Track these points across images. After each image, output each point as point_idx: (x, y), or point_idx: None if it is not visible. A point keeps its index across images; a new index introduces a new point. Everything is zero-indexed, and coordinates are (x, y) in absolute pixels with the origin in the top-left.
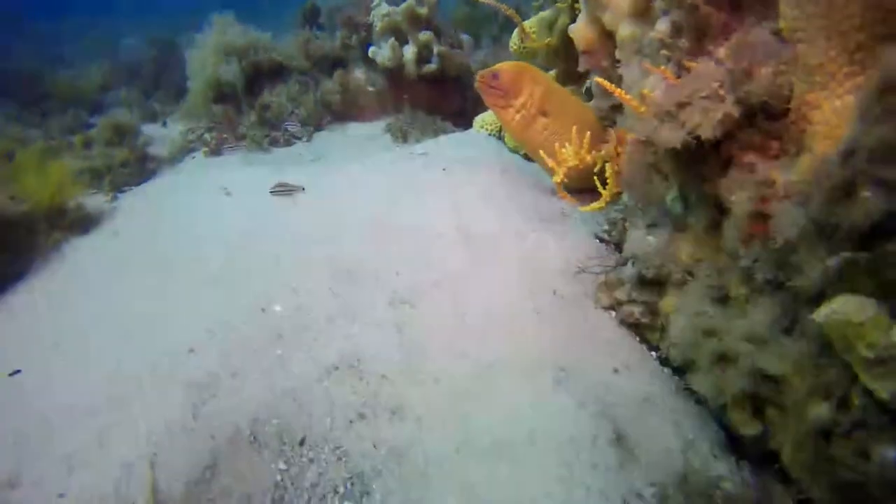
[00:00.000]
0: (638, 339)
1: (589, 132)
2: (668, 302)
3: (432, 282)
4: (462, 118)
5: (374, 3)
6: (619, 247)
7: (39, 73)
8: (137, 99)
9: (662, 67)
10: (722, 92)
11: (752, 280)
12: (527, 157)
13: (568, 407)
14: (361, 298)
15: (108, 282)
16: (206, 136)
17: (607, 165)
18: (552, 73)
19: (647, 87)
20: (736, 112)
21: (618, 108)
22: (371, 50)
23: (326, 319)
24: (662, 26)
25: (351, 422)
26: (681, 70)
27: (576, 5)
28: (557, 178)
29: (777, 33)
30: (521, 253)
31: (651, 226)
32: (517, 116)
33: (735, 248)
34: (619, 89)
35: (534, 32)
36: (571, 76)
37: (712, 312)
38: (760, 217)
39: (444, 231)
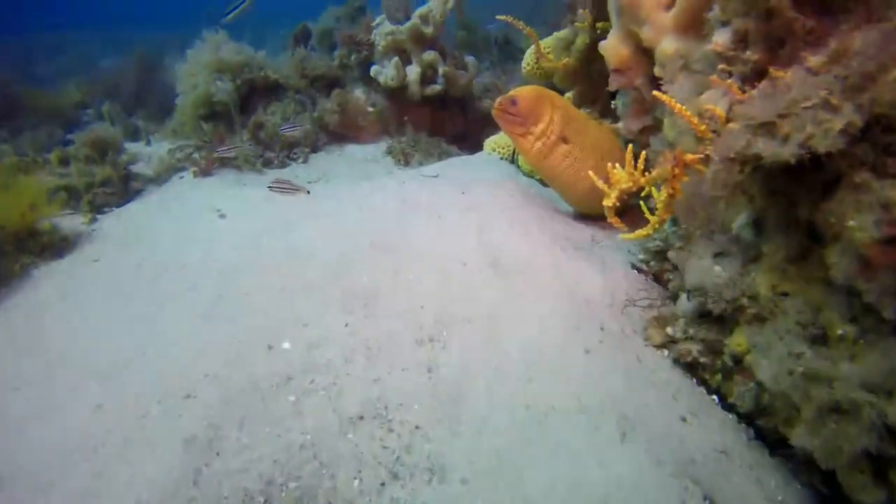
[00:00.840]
0: (695, 380)
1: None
2: (739, 340)
3: (463, 316)
4: (465, 142)
5: (377, 21)
6: (657, 278)
7: (6, 84)
8: (119, 115)
9: (729, 82)
10: (835, 100)
11: (865, 318)
12: (543, 182)
13: (643, 465)
14: (383, 335)
15: (85, 313)
16: (196, 155)
17: (654, 190)
18: (568, 95)
19: (700, 104)
20: (860, 121)
21: (650, 129)
22: (373, 69)
23: (344, 360)
24: (722, 38)
25: (383, 484)
26: (746, 84)
27: (598, 24)
28: (609, 202)
29: (887, 34)
30: (560, 284)
31: (718, 255)
32: (537, 144)
33: (849, 279)
34: (680, 106)
35: (549, 52)
36: (587, 98)
37: (810, 354)
38: (891, 244)
39: (470, 258)
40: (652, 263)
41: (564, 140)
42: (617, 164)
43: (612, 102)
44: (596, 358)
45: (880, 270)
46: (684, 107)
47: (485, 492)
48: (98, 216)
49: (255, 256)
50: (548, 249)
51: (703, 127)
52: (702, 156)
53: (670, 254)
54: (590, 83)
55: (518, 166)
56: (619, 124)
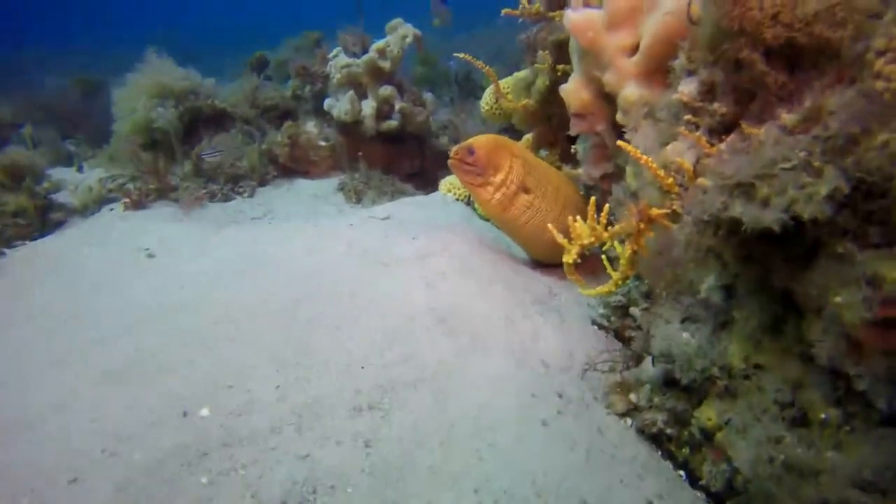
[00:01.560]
0: (660, 453)
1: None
2: (708, 414)
3: (407, 380)
4: (420, 179)
5: (332, 54)
6: (618, 334)
7: None
8: (51, 139)
9: (697, 134)
10: (816, 163)
11: (850, 402)
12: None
13: None
14: (316, 400)
15: None
16: (130, 185)
17: (617, 244)
18: (527, 136)
19: (666, 155)
20: (846, 186)
21: (611, 177)
22: (327, 102)
23: (271, 429)
24: (689, 87)
25: None
26: (713, 137)
27: (558, 66)
28: (570, 258)
29: (868, 95)
30: (515, 343)
31: (686, 319)
32: (497, 195)
33: (835, 362)
34: (646, 157)
35: (509, 93)
36: (546, 140)
37: (791, 440)
38: (882, 326)
39: (417, 313)
40: (613, 319)
41: (525, 190)
42: (579, 218)
43: (573, 147)
44: (553, 431)
45: (872, 355)
46: (649, 157)
47: None
48: (6, 250)
49: (180, 305)
50: (502, 304)
51: (669, 180)
52: (668, 210)
53: (633, 310)
54: (549, 125)
55: (474, 209)
56: (580, 170)
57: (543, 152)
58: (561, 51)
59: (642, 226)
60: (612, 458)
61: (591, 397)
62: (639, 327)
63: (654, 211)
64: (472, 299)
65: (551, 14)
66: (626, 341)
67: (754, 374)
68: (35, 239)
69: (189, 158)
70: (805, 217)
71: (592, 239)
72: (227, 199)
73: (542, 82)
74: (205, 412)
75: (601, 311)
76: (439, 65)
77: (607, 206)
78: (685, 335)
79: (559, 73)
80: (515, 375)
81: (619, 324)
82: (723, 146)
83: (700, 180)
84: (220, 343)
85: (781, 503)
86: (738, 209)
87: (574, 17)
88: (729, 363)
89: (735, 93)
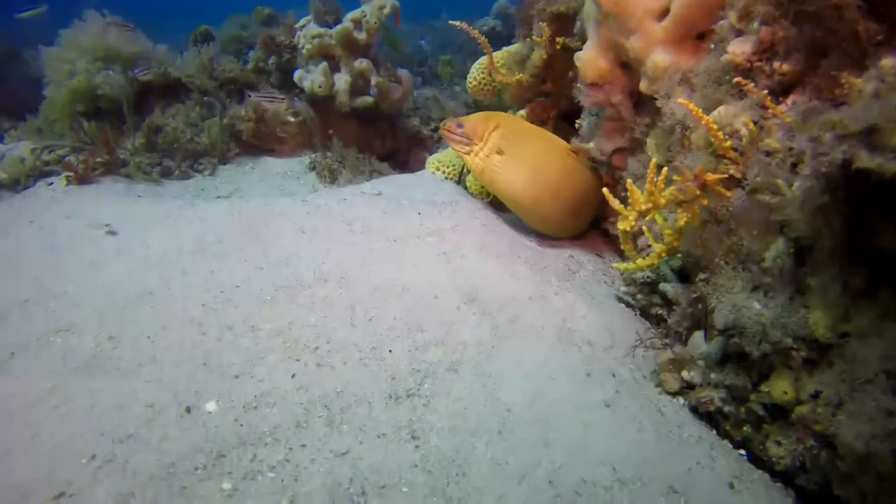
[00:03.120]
0: (715, 431)
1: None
2: (781, 387)
3: (447, 363)
4: (392, 161)
5: (300, 23)
6: (644, 312)
7: None
8: None
9: (764, 93)
10: None
11: None
12: (492, 203)
13: None
14: (344, 388)
15: None
16: (71, 158)
17: (658, 216)
18: (521, 113)
19: (712, 119)
20: None
21: (623, 151)
22: (297, 74)
23: (296, 425)
24: (742, 47)
25: None
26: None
27: (558, 39)
28: (626, 225)
29: None
30: (553, 322)
31: (756, 289)
32: (476, 160)
33: None
34: (708, 118)
35: (502, 66)
36: (538, 116)
37: None
38: None
39: (441, 292)
40: (639, 297)
41: (499, 152)
42: (631, 183)
43: (577, 122)
44: (618, 413)
45: None
46: (694, 121)
47: None
48: None
49: (161, 285)
50: (528, 281)
51: (727, 143)
52: (725, 176)
53: (662, 286)
54: (540, 105)
55: (465, 187)
56: (590, 144)
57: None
58: (560, 23)
59: (698, 192)
60: (680, 438)
61: (641, 376)
62: (667, 304)
63: (711, 176)
64: (497, 277)
65: None
66: (651, 319)
67: (845, 342)
68: None
69: (140, 130)
70: None
71: (650, 205)
72: (185, 176)
73: (538, 56)
74: (211, 406)
75: (624, 288)
76: (404, 48)
77: (665, 170)
78: (756, 305)
79: (558, 47)
80: (563, 355)
81: (645, 301)
82: (785, 108)
83: (767, 142)
84: (215, 327)
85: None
86: (869, 159)
87: None
88: (811, 333)
89: (806, 49)
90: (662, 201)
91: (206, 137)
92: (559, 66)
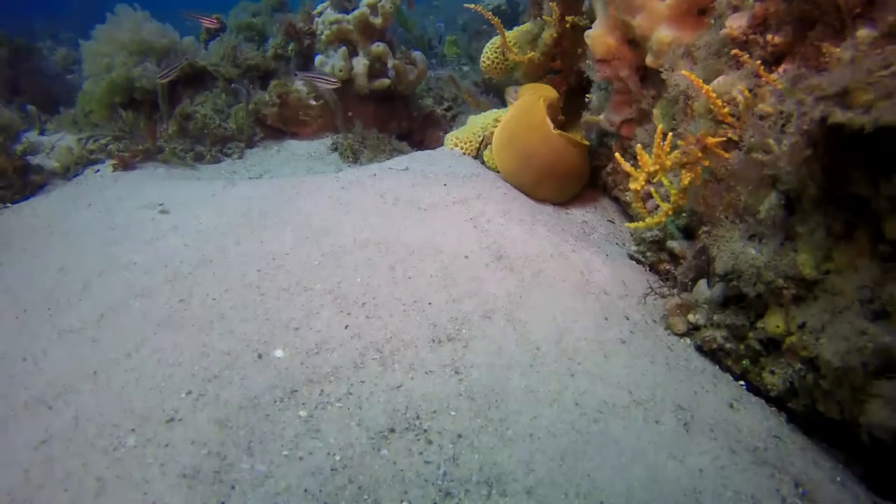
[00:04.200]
0: (717, 366)
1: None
2: (774, 321)
3: (481, 312)
4: (408, 140)
5: (318, 10)
6: (653, 267)
7: None
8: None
9: (758, 63)
10: None
11: None
12: None
13: (720, 456)
14: (393, 336)
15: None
16: (113, 146)
17: (664, 178)
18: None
19: (712, 88)
20: None
21: (631, 122)
22: (318, 59)
23: (353, 365)
24: (739, 22)
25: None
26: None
27: (567, 18)
28: (637, 185)
29: None
30: (573, 275)
31: (753, 237)
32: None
33: None
34: (707, 87)
35: (514, 45)
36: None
37: (874, 330)
38: None
39: (471, 252)
40: (648, 254)
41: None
42: (640, 148)
43: (587, 96)
44: (633, 348)
45: None
46: (695, 91)
47: (557, 502)
48: None
49: (218, 254)
50: (548, 241)
51: (725, 109)
52: (724, 139)
53: (670, 243)
54: (550, 81)
55: (483, 161)
56: (600, 116)
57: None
58: (567, 3)
59: (700, 154)
60: (687, 369)
61: (652, 320)
62: (674, 259)
63: (711, 139)
64: (520, 236)
65: None
66: (660, 273)
67: (827, 278)
68: (19, 202)
69: (172, 118)
70: None
71: (657, 167)
72: (216, 160)
73: (548, 35)
74: (279, 353)
75: (634, 247)
76: (416, 29)
77: (670, 135)
78: (752, 251)
79: (567, 25)
80: (583, 302)
81: (654, 258)
82: (777, 76)
83: (761, 107)
84: (272, 289)
85: (872, 388)
86: (842, 115)
87: None
88: (799, 272)
89: (795, 22)
90: (668, 163)
91: (234, 122)
92: (568, 44)
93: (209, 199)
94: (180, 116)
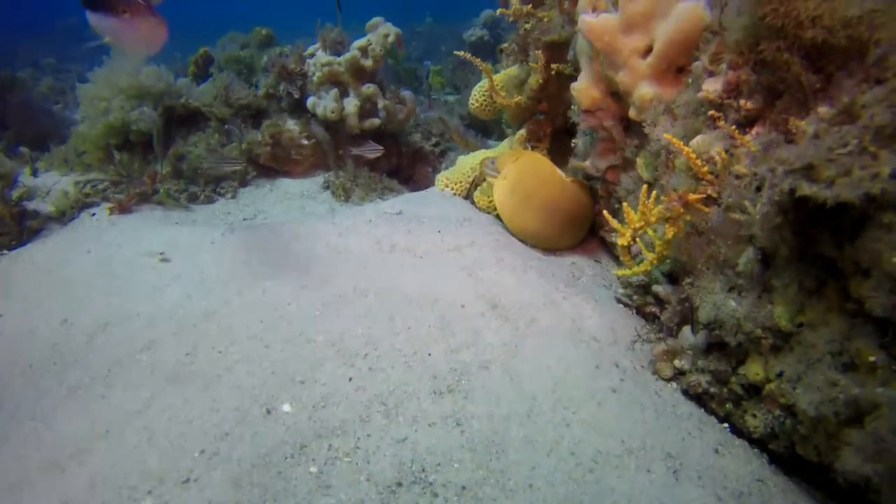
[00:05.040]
0: (703, 409)
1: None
2: (754, 369)
3: (479, 362)
4: (397, 177)
5: (309, 51)
6: (639, 310)
7: None
8: None
9: (733, 128)
10: (872, 148)
11: (894, 346)
12: (498, 217)
13: (709, 503)
14: (396, 388)
15: (7, 396)
16: (110, 190)
17: (650, 230)
18: (520, 132)
19: (696, 146)
20: None
21: (616, 168)
22: (311, 101)
23: (360, 419)
24: (714, 86)
25: None
26: (738, 131)
27: (552, 66)
28: (624, 241)
29: None
30: (564, 323)
31: (732, 289)
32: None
33: (889, 312)
34: (687, 149)
35: (501, 88)
36: (535, 135)
37: (845, 382)
38: None
39: (467, 301)
40: (635, 297)
41: (505, 177)
42: (626, 206)
43: (573, 140)
44: (624, 396)
45: None
46: (676, 149)
47: None
48: None
49: (222, 305)
50: (541, 288)
51: (704, 168)
52: (703, 195)
53: (655, 288)
54: (536, 123)
55: (473, 202)
56: (586, 162)
57: (530, 146)
58: (553, 51)
59: (682, 210)
60: (674, 415)
61: (640, 366)
62: (659, 303)
63: (692, 196)
64: (513, 285)
65: (541, 14)
66: (646, 316)
67: (801, 331)
68: (15, 248)
69: (166, 158)
70: (874, 192)
71: (643, 223)
72: (210, 200)
73: (534, 80)
74: (287, 407)
75: (622, 290)
76: (404, 63)
77: (654, 192)
78: (732, 303)
79: (553, 72)
80: (575, 350)
81: (640, 301)
82: (750, 138)
83: (737, 167)
84: (276, 341)
85: (844, 436)
86: (808, 188)
87: (591, 21)
88: (776, 324)
89: (765, 91)
90: (653, 219)
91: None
92: (553, 89)
93: (209, 246)
94: (174, 157)
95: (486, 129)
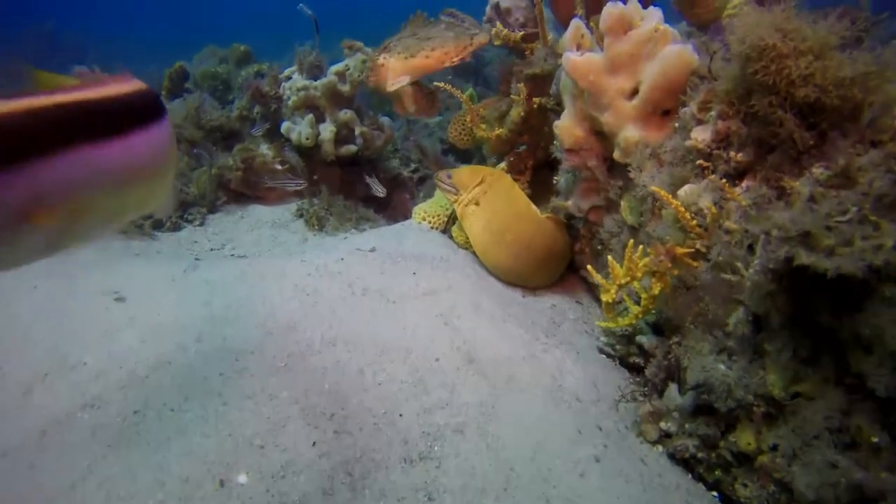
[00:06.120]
0: (690, 475)
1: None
2: (746, 438)
3: (454, 425)
4: (374, 203)
5: (285, 74)
6: (622, 360)
7: None
8: None
9: (723, 181)
10: (873, 217)
11: None
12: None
13: None
14: (362, 454)
15: None
16: None
17: (636, 283)
18: (501, 166)
19: (680, 196)
20: None
21: (598, 209)
22: (285, 126)
23: (322, 493)
24: (703, 135)
25: None
26: (728, 182)
27: (534, 99)
28: (609, 298)
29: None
30: (545, 380)
31: (722, 352)
32: (458, 207)
33: (893, 392)
34: (676, 202)
35: (482, 121)
36: (516, 168)
37: (845, 463)
38: None
39: (441, 354)
40: (618, 347)
41: (476, 203)
42: (611, 260)
43: (555, 178)
44: (607, 466)
45: None
46: (663, 200)
47: None
48: None
49: (178, 353)
50: (520, 339)
51: (693, 221)
52: (692, 249)
53: (639, 338)
54: (517, 156)
55: (451, 236)
56: (568, 202)
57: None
58: (535, 84)
59: (669, 265)
60: (661, 486)
61: (624, 427)
62: (644, 354)
63: (680, 250)
64: (491, 337)
65: (526, 46)
66: (630, 367)
67: (796, 402)
68: None
69: None
70: (877, 264)
71: (629, 278)
72: (176, 228)
73: (516, 113)
74: (242, 479)
75: (604, 339)
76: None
77: (641, 246)
78: (722, 367)
79: (535, 105)
80: (556, 411)
81: (624, 351)
82: (740, 191)
83: (727, 223)
84: (235, 397)
85: None
86: (807, 258)
87: (576, 59)
88: (768, 392)
89: (755, 144)
90: (639, 274)
91: (196, 188)
92: (535, 122)
93: (169, 284)
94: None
95: (466, 155)
